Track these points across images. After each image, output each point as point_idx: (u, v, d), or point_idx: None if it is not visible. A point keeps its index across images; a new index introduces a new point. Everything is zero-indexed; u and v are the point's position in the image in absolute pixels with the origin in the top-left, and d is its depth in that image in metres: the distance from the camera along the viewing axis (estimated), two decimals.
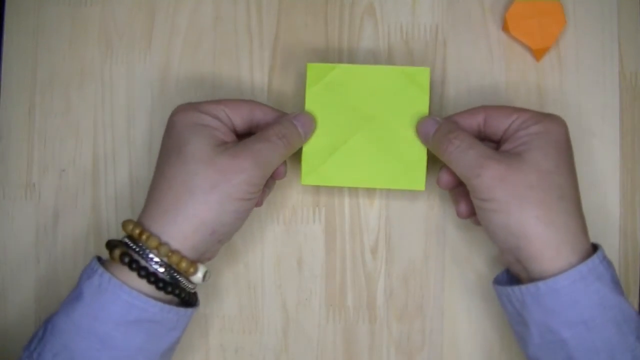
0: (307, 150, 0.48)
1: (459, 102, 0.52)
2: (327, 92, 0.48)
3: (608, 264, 0.42)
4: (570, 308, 0.40)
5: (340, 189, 0.52)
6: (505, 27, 0.52)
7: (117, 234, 0.52)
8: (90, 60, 0.54)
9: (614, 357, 0.40)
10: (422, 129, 0.47)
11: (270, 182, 0.48)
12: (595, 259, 0.41)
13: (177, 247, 0.42)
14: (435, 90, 0.52)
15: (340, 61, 0.53)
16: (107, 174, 0.53)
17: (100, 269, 0.41)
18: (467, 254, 0.51)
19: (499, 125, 0.45)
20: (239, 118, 0.46)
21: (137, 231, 0.42)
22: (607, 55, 0.52)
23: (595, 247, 0.42)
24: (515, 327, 0.44)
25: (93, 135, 0.53)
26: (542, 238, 0.41)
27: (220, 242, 0.44)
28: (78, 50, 0.54)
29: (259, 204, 0.48)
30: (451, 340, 0.51)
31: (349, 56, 0.53)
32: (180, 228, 0.42)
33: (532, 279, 0.41)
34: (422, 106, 0.48)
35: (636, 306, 0.51)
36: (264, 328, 0.52)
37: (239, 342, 0.52)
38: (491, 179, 0.41)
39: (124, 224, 0.43)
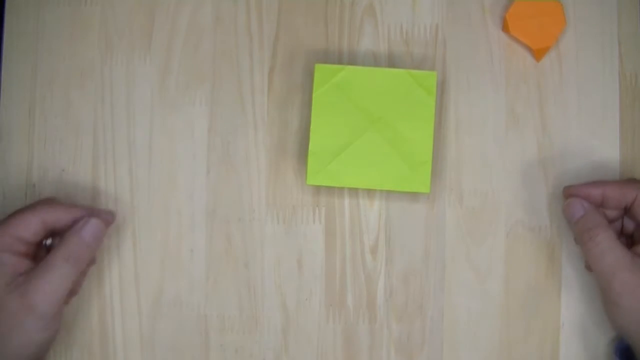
0: (313, 149, 0.49)
1: (459, 102, 0.52)
2: (334, 93, 0.49)
3: None
4: None
5: (340, 189, 0.52)
6: (505, 27, 0.52)
7: (117, 234, 0.52)
8: (90, 60, 0.54)
9: None
10: (568, 212, 0.48)
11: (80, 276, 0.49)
12: None
13: None
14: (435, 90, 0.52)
15: (340, 61, 0.53)
16: (107, 174, 0.53)
17: None
18: (467, 254, 0.51)
19: (619, 200, 0.47)
20: (31, 235, 0.46)
21: None
22: (607, 55, 0.52)
23: None
24: None
25: (93, 135, 0.53)
26: None
27: None
28: (78, 50, 0.54)
29: (75, 292, 0.49)
30: (451, 340, 0.51)
31: (349, 56, 0.53)
32: None
33: None
34: (428, 109, 0.48)
35: None
36: (264, 328, 0.52)
37: (239, 342, 0.52)
38: (621, 287, 0.44)
39: None
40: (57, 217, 0.47)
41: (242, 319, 0.52)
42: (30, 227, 0.46)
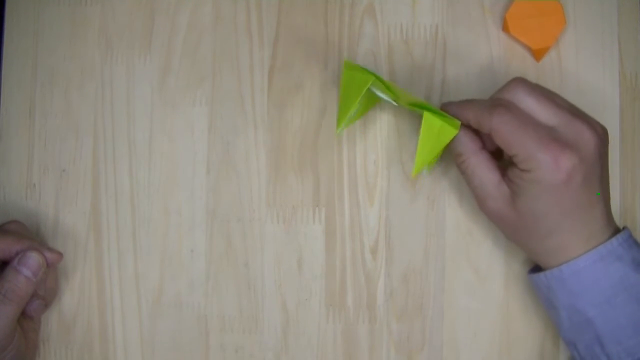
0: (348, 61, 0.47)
1: None
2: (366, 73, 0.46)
3: (630, 245, 0.43)
4: (592, 288, 0.42)
5: (340, 188, 0.52)
6: (505, 27, 0.52)
7: (117, 234, 0.52)
8: (90, 60, 0.54)
9: (638, 332, 0.42)
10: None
11: (38, 309, 0.48)
12: (614, 241, 0.43)
13: None
14: (435, 91, 0.52)
15: (340, 61, 0.53)
16: (107, 174, 0.53)
17: None
18: (467, 254, 0.51)
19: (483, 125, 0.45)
20: None
21: None
22: (607, 55, 0.52)
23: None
24: (549, 312, 0.46)
25: (93, 135, 0.53)
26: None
27: None
28: (78, 50, 0.54)
29: (47, 304, 0.49)
30: (451, 340, 0.51)
31: (349, 56, 0.53)
32: None
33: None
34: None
35: None
36: (264, 328, 0.52)
37: (239, 342, 0.52)
38: (489, 215, 0.46)
39: None
40: (2, 248, 0.46)
41: (242, 319, 0.52)
42: None
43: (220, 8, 0.54)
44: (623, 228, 0.45)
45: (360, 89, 0.45)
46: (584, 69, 0.52)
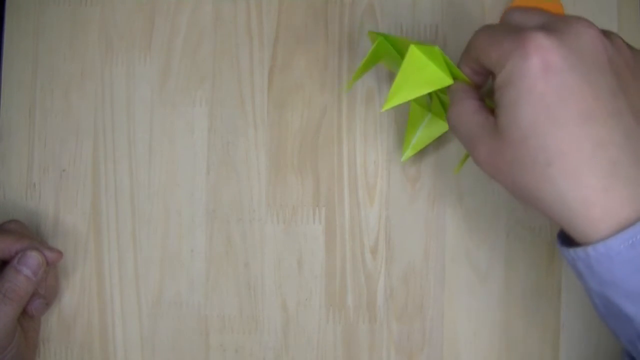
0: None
1: None
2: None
3: None
4: (630, 278, 0.32)
5: (340, 188, 0.52)
6: None
7: (117, 234, 0.52)
8: (90, 60, 0.54)
9: None
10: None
11: (39, 308, 0.48)
12: None
13: None
14: None
15: (340, 61, 0.53)
16: (107, 174, 0.53)
17: None
18: (467, 254, 0.51)
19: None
20: None
21: None
22: None
23: None
24: (585, 291, 0.37)
25: (93, 135, 0.53)
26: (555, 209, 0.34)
27: None
28: (78, 51, 0.54)
29: (48, 304, 0.49)
30: (451, 340, 0.51)
31: (349, 56, 0.53)
32: None
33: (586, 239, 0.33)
34: None
35: None
36: (264, 328, 0.52)
37: (239, 342, 0.52)
38: (483, 165, 0.37)
39: None
40: (2, 247, 0.46)
41: (242, 319, 0.52)
42: None
43: (220, 8, 0.54)
44: None
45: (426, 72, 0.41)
46: None
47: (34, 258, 0.46)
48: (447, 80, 0.41)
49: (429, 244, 0.52)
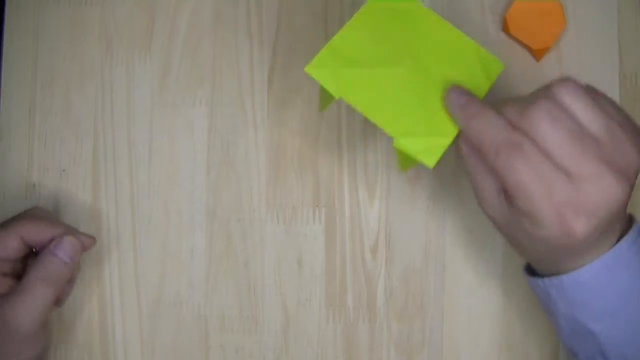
0: (334, 43, 0.42)
1: None
2: (388, 14, 0.42)
3: (638, 248, 0.38)
4: (596, 300, 0.38)
5: (340, 188, 0.52)
6: (505, 27, 0.52)
7: (117, 233, 0.52)
8: (90, 60, 0.54)
9: None
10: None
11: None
12: (622, 245, 0.37)
13: None
14: None
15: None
16: (107, 174, 0.53)
17: None
18: (467, 254, 0.51)
19: None
20: (11, 253, 0.46)
21: None
22: (607, 55, 0.52)
23: (631, 220, 0.39)
24: (547, 316, 0.42)
25: (93, 135, 0.53)
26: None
27: None
28: (78, 51, 0.54)
29: (59, 303, 0.49)
30: (451, 340, 0.51)
31: None
32: None
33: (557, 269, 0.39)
34: (477, 92, 0.41)
35: None
36: (264, 328, 0.52)
37: (239, 342, 0.52)
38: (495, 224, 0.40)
39: None
40: (36, 233, 0.46)
41: (242, 319, 0.52)
42: (7, 247, 0.45)
43: (220, 8, 0.54)
44: (629, 218, 0.39)
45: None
46: (584, 69, 0.52)
47: (71, 243, 0.46)
48: (431, 160, 0.40)
49: (429, 244, 0.52)
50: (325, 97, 0.43)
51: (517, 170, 0.35)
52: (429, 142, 0.40)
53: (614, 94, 0.52)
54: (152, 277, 0.52)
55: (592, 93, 0.37)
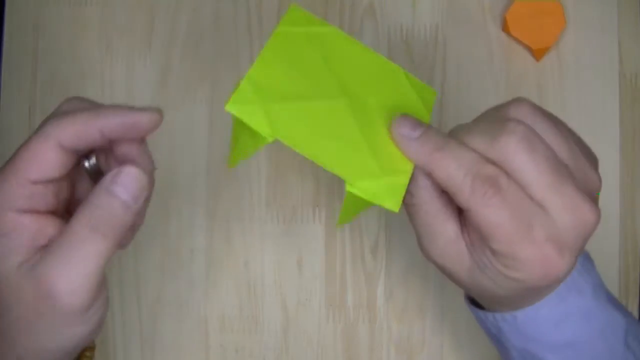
0: (253, 74, 0.34)
1: (459, 102, 0.52)
2: (303, 41, 0.36)
3: (588, 270, 0.36)
4: (552, 333, 0.35)
5: (340, 188, 0.52)
6: (505, 27, 0.52)
7: None
8: (90, 60, 0.54)
9: None
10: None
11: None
12: (574, 273, 0.35)
13: None
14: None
15: None
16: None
17: None
18: None
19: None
20: (53, 171, 0.32)
21: None
22: (607, 55, 0.52)
23: None
24: (495, 345, 0.39)
25: None
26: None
27: None
28: (78, 50, 0.54)
29: (125, 244, 0.36)
30: (451, 340, 0.51)
31: None
32: None
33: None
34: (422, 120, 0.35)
35: (636, 307, 0.51)
36: (264, 328, 0.52)
37: (239, 342, 0.52)
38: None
39: None
40: (82, 135, 0.32)
41: (242, 319, 0.52)
42: (44, 161, 0.32)
43: (220, 8, 0.54)
44: None
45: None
46: (584, 69, 0.52)
47: (134, 177, 0.32)
48: (393, 207, 0.33)
49: None
50: (241, 146, 0.35)
51: (495, 208, 0.31)
52: (388, 182, 0.33)
53: (614, 93, 0.52)
54: (152, 277, 0.52)
55: (549, 113, 0.34)
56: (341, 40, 0.37)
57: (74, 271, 0.31)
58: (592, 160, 0.34)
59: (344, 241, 0.52)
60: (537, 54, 0.51)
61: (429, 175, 0.33)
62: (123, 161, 0.33)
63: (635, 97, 0.52)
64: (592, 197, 0.32)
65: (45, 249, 0.31)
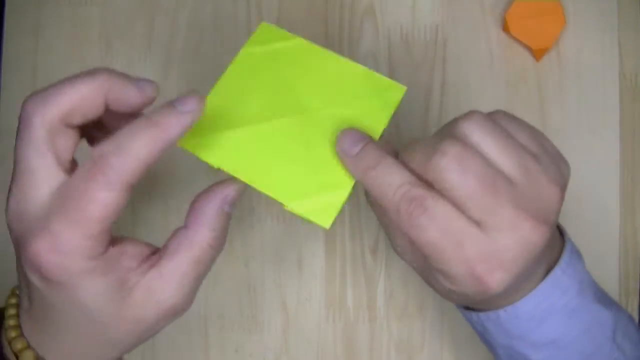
0: (211, 101, 0.36)
1: (459, 102, 0.52)
2: (268, 59, 0.38)
3: (574, 266, 0.36)
4: (536, 330, 0.36)
5: None
6: (505, 27, 0.52)
7: (118, 233, 0.52)
8: (90, 60, 0.54)
9: None
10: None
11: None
12: (557, 271, 0.35)
13: None
14: (435, 91, 0.52)
15: None
16: None
17: None
18: None
19: None
20: (94, 112, 0.34)
21: None
22: (607, 55, 0.52)
23: (562, 237, 0.37)
24: (483, 342, 0.40)
25: None
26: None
27: None
28: (78, 50, 0.54)
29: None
30: (451, 340, 0.51)
31: (349, 56, 0.52)
32: None
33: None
34: (375, 126, 0.36)
35: (636, 307, 0.51)
36: (264, 328, 0.52)
37: (239, 342, 0.52)
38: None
39: (19, 352, 0.33)
40: (123, 92, 0.35)
41: (242, 319, 0.52)
42: (91, 104, 0.33)
43: (220, 8, 0.54)
44: (561, 234, 0.38)
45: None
46: (584, 69, 0.52)
47: (237, 192, 0.35)
48: (323, 222, 0.34)
49: None
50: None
51: (423, 228, 0.31)
52: (322, 200, 0.34)
53: (614, 93, 0.52)
54: None
55: (505, 120, 0.33)
56: (308, 51, 0.38)
57: (180, 290, 0.32)
58: (553, 168, 0.33)
59: (344, 241, 0.52)
60: (537, 54, 0.51)
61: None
62: None
63: (635, 97, 0.52)
64: (541, 214, 0.32)
65: (154, 264, 0.32)
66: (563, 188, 0.33)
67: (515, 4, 0.51)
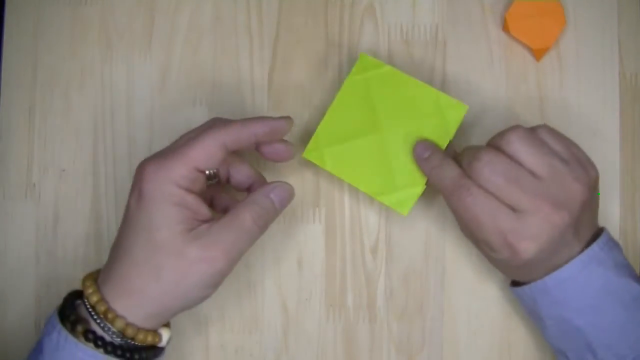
0: (321, 128, 0.49)
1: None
2: (364, 85, 0.49)
3: (610, 248, 0.43)
4: (577, 296, 0.43)
5: (340, 188, 0.52)
6: (505, 27, 0.52)
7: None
8: (90, 60, 0.54)
9: (626, 335, 0.42)
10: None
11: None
12: (594, 246, 0.43)
13: (142, 325, 0.42)
14: None
15: (340, 61, 0.53)
16: (107, 174, 0.53)
17: (59, 326, 0.41)
18: (467, 254, 0.51)
19: None
20: (212, 165, 0.43)
21: (102, 308, 0.41)
22: (607, 55, 0.52)
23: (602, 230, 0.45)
24: (536, 323, 0.46)
25: (93, 135, 0.53)
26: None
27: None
28: (78, 50, 0.54)
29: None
30: (451, 340, 0.51)
31: (349, 56, 0.53)
32: (146, 310, 0.42)
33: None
34: (443, 139, 0.47)
35: None
36: (264, 328, 0.52)
37: (239, 342, 0.52)
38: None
39: (88, 295, 0.42)
40: (240, 135, 0.43)
41: (242, 319, 0.52)
42: (211, 157, 0.42)
43: (220, 8, 0.54)
44: (601, 228, 0.45)
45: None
46: (584, 69, 0.52)
47: (286, 191, 0.44)
48: (402, 211, 0.48)
49: (429, 244, 0.52)
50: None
51: (468, 206, 0.42)
52: (402, 195, 0.47)
53: (614, 93, 0.52)
54: None
55: (544, 132, 0.43)
56: (393, 76, 0.49)
57: (233, 247, 0.41)
58: (580, 171, 0.42)
59: (344, 241, 0.52)
60: (537, 54, 0.51)
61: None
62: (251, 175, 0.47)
63: (635, 97, 0.52)
64: (562, 203, 0.41)
65: (211, 225, 0.41)
66: (588, 186, 0.42)
67: (515, 3, 0.50)
